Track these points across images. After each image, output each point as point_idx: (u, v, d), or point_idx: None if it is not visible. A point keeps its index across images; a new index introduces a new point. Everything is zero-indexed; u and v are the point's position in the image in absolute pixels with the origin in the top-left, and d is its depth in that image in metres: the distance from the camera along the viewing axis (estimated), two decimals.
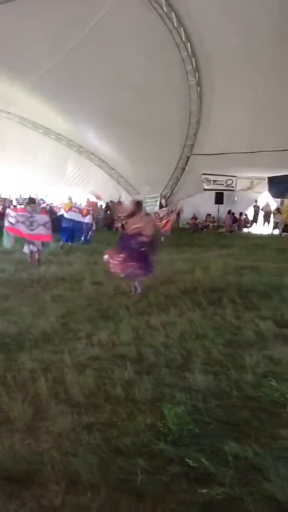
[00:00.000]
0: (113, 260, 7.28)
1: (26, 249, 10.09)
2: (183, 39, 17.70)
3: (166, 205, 22.12)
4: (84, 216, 14.07)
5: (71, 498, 2.43)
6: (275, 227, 21.44)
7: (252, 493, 2.41)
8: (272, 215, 22.21)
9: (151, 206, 25.57)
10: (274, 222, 21.72)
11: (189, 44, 17.95)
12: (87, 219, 14.26)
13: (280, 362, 4.19)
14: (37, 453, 2.81)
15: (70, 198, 14.59)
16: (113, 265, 7.29)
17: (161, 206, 22.59)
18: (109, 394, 3.62)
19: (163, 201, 24.33)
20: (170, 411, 3.22)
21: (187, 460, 2.69)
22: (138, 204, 7.80)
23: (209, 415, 3.25)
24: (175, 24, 17.11)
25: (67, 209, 13.78)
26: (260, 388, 3.64)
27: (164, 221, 15.61)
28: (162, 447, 2.84)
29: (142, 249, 7.31)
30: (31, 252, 10.04)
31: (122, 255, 7.22)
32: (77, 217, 13.76)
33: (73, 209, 13.86)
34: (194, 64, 18.74)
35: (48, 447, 2.87)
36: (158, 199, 25.62)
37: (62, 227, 13.44)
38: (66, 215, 13.66)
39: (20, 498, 2.43)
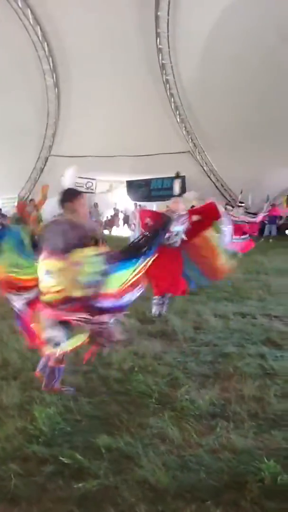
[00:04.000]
0: None
1: None
2: (40, 37, 17.48)
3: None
4: None
5: None
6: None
7: (125, 480, 2.53)
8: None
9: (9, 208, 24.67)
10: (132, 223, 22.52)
11: (46, 43, 17.79)
12: None
13: (144, 356, 4.41)
14: None
15: None
16: None
17: None
18: None
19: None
20: (41, 413, 3.20)
21: (61, 458, 2.71)
22: None
23: (80, 413, 3.30)
24: (31, 21, 16.83)
25: None
26: (127, 382, 3.80)
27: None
28: (35, 448, 2.82)
29: None
30: None
31: None
32: None
33: None
34: (51, 64, 18.61)
35: None
36: (16, 200, 24.81)
37: None
38: None
39: None
